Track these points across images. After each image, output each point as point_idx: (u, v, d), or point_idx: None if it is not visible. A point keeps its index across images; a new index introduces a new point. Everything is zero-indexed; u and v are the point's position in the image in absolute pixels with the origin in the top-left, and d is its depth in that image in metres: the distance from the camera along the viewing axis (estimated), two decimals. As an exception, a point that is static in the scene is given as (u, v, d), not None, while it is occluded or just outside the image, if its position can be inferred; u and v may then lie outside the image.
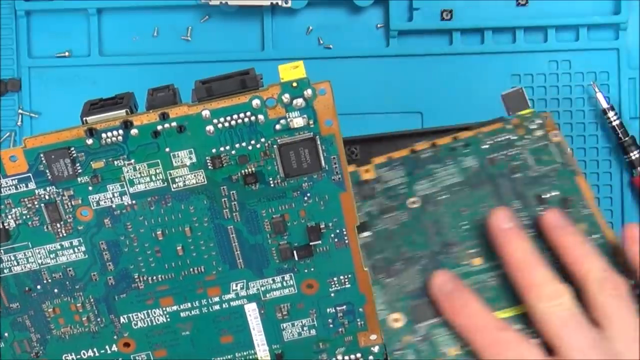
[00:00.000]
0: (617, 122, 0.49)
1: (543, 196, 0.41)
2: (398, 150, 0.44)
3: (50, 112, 0.51)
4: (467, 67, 0.50)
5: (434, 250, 0.40)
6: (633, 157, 0.49)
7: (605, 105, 0.49)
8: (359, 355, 0.36)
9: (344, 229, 0.33)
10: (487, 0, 0.50)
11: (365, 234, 0.38)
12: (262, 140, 0.31)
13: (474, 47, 0.50)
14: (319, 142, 0.31)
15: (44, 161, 0.31)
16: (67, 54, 0.51)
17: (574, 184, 0.42)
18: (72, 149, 0.31)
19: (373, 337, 0.35)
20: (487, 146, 0.41)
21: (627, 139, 0.49)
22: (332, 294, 0.35)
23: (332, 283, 0.34)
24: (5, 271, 0.33)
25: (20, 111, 0.51)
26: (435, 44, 0.51)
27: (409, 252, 0.40)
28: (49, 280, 0.33)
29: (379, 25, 0.51)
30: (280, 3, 0.49)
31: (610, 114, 0.49)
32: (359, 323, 0.35)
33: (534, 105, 0.50)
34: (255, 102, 0.31)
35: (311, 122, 0.31)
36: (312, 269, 0.34)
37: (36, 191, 0.32)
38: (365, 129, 0.49)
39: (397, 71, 0.50)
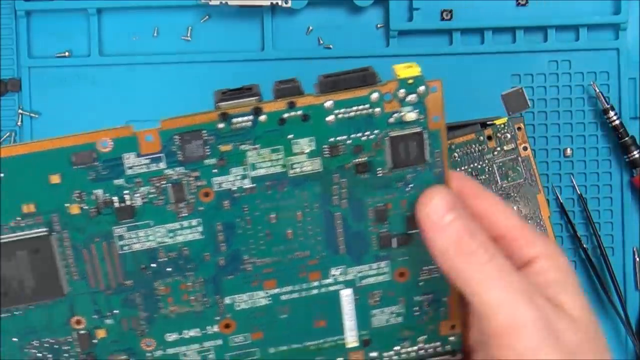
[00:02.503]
0: (617, 122, 0.49)
1: None
2: None
3: (50, 112, 0.51)
4: (467, 67, 0.50)
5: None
6: (633, 157, 0.49)
7: (605, 105, 0.49)
8: (438, 343, 0.37)
9: None
10: (487, 0, 0.50)
11: None
12: (376, 131, 0.33)
13: (474, 47, 0.50)
14: (426, 136, 0.33)
15: (177, 142, 0.32)
16: (67, 54, 0.51)
17: (535, 201, 0.44)
18: (204, 131, 0.33)
19: (453, 326, 0.36)
20: (457, 158, 0.44)
21: (627, 139, 0.49)
22: (421, 283, 0.35)
23: (423, 272, 0.35)
24: (124, 248, 0.34)
25: (20, 111, 0.51)
26: (435, 44, 0.51)
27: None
28: (165, 259, 0.34)
29: (379, 25, 0.51)
30: (280, 3, 0.49)
31: (610, 114, 0.49)
32: (442, 312, 0.36)
33: (534, 106, 0.50)
34: (374, 96, 0.33)
35: (422, 116, 0.33)
36: (407, 258, 0.35)
37: (165, 171, 0.33)
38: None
39: (397, 71, 0.50)
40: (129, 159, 0.32)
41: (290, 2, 0.49)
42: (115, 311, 0.35)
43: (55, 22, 0.51)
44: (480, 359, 0.33)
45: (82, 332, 0.34)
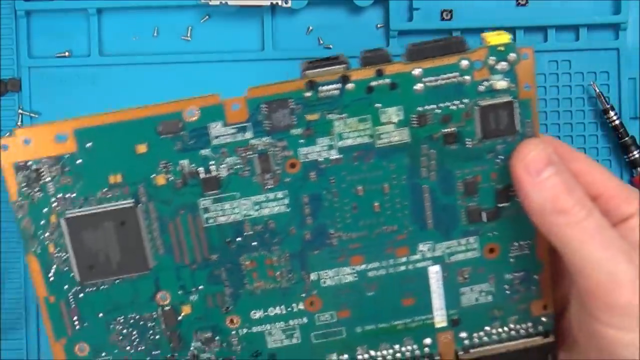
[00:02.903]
0: (617, 122, 0.49)
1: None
2: None
3: (50, 112, 0.51)
4: (467, 67, 0.50)
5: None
6: (633, 157, 0.49)
7: (605, 105, 0.49)
8: (529, 324, 0.35)
9: None
10: (487, 0, 0.50)
11: None
12: (466, 100, 0.32)
13: (474, 47, 0.50)
14: (516, 106, 0.32)
15: (264, 111, 0.32)
16: (67, 54, 0.51)
17: None
18: (292, 100, 0.32)
19: (545, 306, 0.35)
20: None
21: (627, 139, 0.49)
22: (512, 260, 0.34)
23: (513, 248, 0.34)
24: (210, 221, 0.33)
25: (20, 111, 0.51)
26: (435, 44, 0.51)
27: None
28: (251, 233, 0.33)
29: (379, 25, 0.51)
30: (280, 3, 0.49)
31: (610, 114, 0.49)
32: (534, 291, 0.35)
33: (534, 105, 0.50)
34: (464, 63, 0.32)
35: (512, 85, 0.32)
36: (496, 233, 0.34)
37: (251, 141, 0.32)
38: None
39: (397, 71, 0.50)
40: (216, 128, 0.32)
41: (290, 2, 0.49)
42: (200, 287, 0.34)
43: (55, 22, 0.51)
44: (575, 317, 0.33)
45: (166, 308, 0.34)
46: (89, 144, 0.32)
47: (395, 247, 0.34)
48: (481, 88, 0.32)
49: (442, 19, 0.50)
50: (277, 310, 0.35)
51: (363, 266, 0.34)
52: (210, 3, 0.49)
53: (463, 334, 0.36)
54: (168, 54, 0.51)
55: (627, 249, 0.29)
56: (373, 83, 0.32)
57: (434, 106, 0.32)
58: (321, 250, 0.34)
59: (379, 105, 0.32)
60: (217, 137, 0.32)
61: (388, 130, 0.32)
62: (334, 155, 0.33)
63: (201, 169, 0.32)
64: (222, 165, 0.32)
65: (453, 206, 0.34)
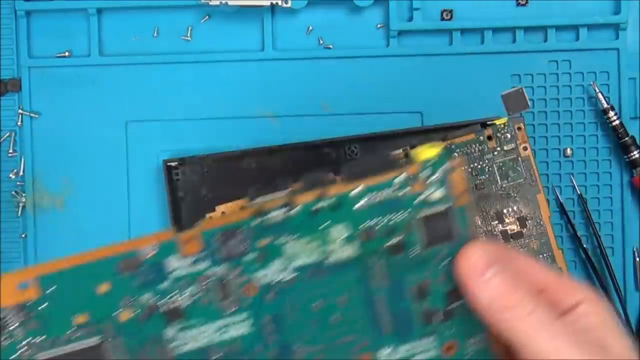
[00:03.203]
0: (617, 122, 0.49)
1: (504, 211, 0.46)
2: (396, 149, 0.47)
3: (50, 112, 0.51)
4: (467, 67, 0.50)
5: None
6: (633, 157, 0.49)
7: (605, 105, 0.49)
8: None
9: None
10: (487, 0, 0.50)
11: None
12: (405, 213, 0.35)
13: (474, 47, 0.50)
14: (452, 214, 0.34)
15: (217, 241, 0.34)
16: (67, 54, 0.51)
17: (535, 201, 0.46)
18: (242, 229, 0.34)
19: None
20: (457, 158, 0.45)
21: (627, 139, 0.49)
22: (468, 355, 0.36)
23: (470, 344, 0.36)
24: (176, 350, 0.35)
25: (20, 111, 0.51)
26: (435, 44, 0.51)
27: None
28: (218, 356, 0.35)
29: (379, 25, 0.51)
30: (280, 3, 0.49)
31: (610, 114, 0.49)
32: None
33: (534, 106, 0.50)
34: (400, 179, 0.34)
35: (446, 195, 0.34)
36: (452, 330, 0.36)
37: (208, 270, 0.34)
38: (365, 129, 0.49)
39: (397, 71, 0.50)
40: (172, 261, 0.33)
41: (290, 2, 0.49)
42: None
43: (55, 22, 0.51)
44: None
45: None
46: (51, 289, 0.33)
47: (359, 353, 0.36)
48: (418, 200, 0.34)
49: (442, 19, 0.50)
50: None
51: None
52: (210, 3, 0.49)
53: None
54: (168, 54, 0.51)
55: (576, 336, 0.30)
56: (316, 206, 0.34)
57: (377, 221, 0.34)
58: None
59: (325, 224, 0.34)
60: (174, 270, 0.34)
61: (336, 248, 0.34)
62: (289, 275, 0.35)
63: (162, 302, 0.34)
64: (183, 296, 0.34)
65: (407, 310, 0.35)
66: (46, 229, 0.51)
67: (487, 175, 0.46)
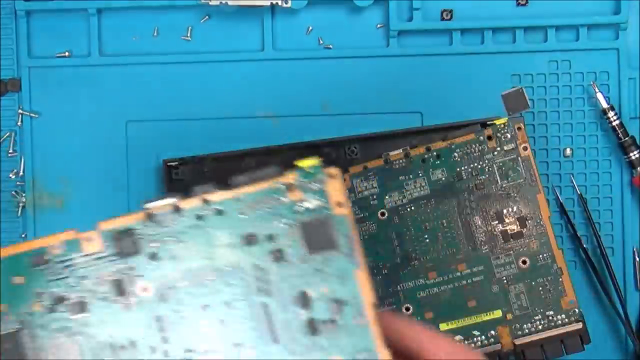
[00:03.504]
0: (617, 122, 0.49)
1: (504, 211, 0.46)
2: (396, 149, 0.46)
3: (50, 112, 0.51)
4: (467, 67, 0.50)
5: (395, 263, 0.46)
6: (633, 157, 0.49)
7: (605, 105, 0.49)
8: None
9: (361, 305, 0.36)
10: (487, 0, 0.50)
11: None
12: (285, 220, 0.36)
13: (474, 47, 0.50)
14: (332, 222, 0.36)
15: (114, 241, 0.37)
16: (67, 54, 0.51)
17: (535, 201, 0.46)
18: (136, 229, 0.37)
19: None
20: (457, 158, 0.46)
21: (627, 139, 0.49)
22: None
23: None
24: (82, 342, 0.37)
25: (20, 111, 0.51)
26: (435, 44, 0.51)
27: (372, 263, 0.47)
28: (118, 350, 0.37)
29: (379, 25, 0.51)
30: (280, 3, 0.49)
31: (610, 114, 0.49)
32: None
33: (534, 106, 0.50)
34: (280, 187, 0.36)
35: (324, 203, 0.36)
36: (336, 346, 0.37)
37: (107, 268, 0.37)
38: (365, 129, 0.49)
39: (397, 71, 0.50)
40: (76, 258, 0.36)
41: (290, 2, 0.49)
42: None
43: (55, 22, 0.51)
44: None
45: None
46: None
47: None
48: (298, 208, 0.36)
49: (442, 19, 0.50)
50: None
51: None
52: (210, 3, 0.49)
53: None
54: (168, 54, 0.51)
55: None
56: (201, 212, 0.36)
57: (260, 228, 0.36)
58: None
59: (210, 229, 0.36)
60: (78, 266, 0.37)
61: (222, 253, 0.37)
62: (179, 276, 0.37)
63: (68, 295, 0.37)
64: (85, 291, 0.37)
65: (289, 321, 0.37)
66: (46, 229, 0.51)
67: (487, 175, 0.46)
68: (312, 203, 0.36)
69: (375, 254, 0.46)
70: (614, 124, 0.49)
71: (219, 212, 0.37)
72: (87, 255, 0.37)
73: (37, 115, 0.51)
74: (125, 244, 0.37)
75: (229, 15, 0.51)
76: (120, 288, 0.37)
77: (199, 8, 0.51)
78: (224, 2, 0.48)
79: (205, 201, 0.36)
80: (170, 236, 0.37)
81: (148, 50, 0.51)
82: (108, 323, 0.37)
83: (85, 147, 0.51)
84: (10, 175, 0.51)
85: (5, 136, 0.51)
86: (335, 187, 0.36)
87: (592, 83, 0.50)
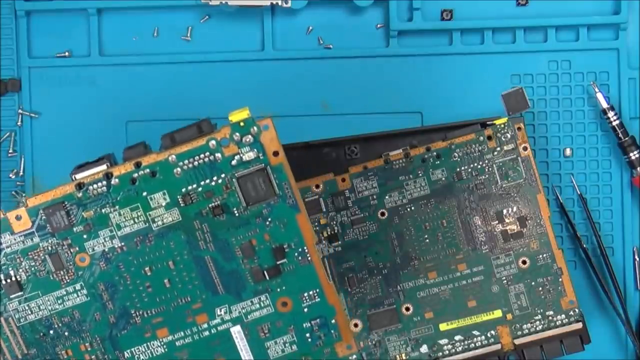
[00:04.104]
0: (617, 122, 0.49)
1: (504, 211, 0.46)
2: (396, 149, 0.46)
3: (50, 112, 0.51)
4: (467, 67, 0.50)
5: (395, 263, 0.46)
6: (633, 157, 0.49)
7: (605, 105, 0.49)
8: None
9: (305, 247, 0.37)
10: (487, 0, 0.50)
11: (335, 244, 0.44)
12: (222, 175, 0.36)
13: (474, 47, 0.50)
14: (270, 171, 0.36)
15: (43, 216, 0.36)
16: (67, 54, 0.51)
17: (535, 201, 0.46)
18: (66, 203, 0.36)
19: (348, 347, 0.39)
20: (457, 158, 0.46)
21: (627, 139, 0.49)
22: (305, 309, 0.38)
23: (304, 299, 0.38)
24: (21, 320, 0.37)
25: (20, 111, 0.51)
26: (435, 44, 0.51)
27: (372, 263, 0.46)
28: (60, 325, 0.37)
29: (379, 25, 0.51)
30: (280, 3, 0.49)
31: (610, 114, 0.49)
32: (333, 334, 0.38)
33: (534, 106, 0.50)
34: (212, 143, 0.36)
35: (260, 154, 0.36)
36: (284, 287, 0.37)
37: (40, 244, 0.37)
38: (365, 129, 0.49)
39: (397, 71, 0.50)
40: (5, 238, 0.36)
41: (290, 2, 0.49)
42: None
43: (55, 22, 0.51)
44: None
45: None
46: None
47: (194, 315, 0.38)
48: (234, 162, 0.36)
49: (442, 19, 0.50)
50: None
51: (170, 337, 0.38)
52: (210, 3, 0.49)
53: None
54: (168, 54, 0.51)
55: None
56: (135, 175, 0.36)
57: (195, 185, 0.36)
58: (128, 330, 0.38)
59: (145, 193, 0.36)
60: (8, 246, 0.36)
61: (159, 214, 0.36)
62: (117, 243, 0.37)
63: (1, 275, 0.37)
64: (20, 270, 0.37)
65: (237, 270, 0.37)
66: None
67: (487, 175, 0.46)
68: (247, 155, 0.36)
69: (375, 254, 0.46)
70: (614, 124, 0.49)
71: (153, 174, 0.36)
72: (17, 233, 0.36)
73: (37, 115, 0.51)
74: (57, 217, 0.36)
75: (229, 15, 0.51)
76: (57, 263, 0.36)
77: (199, 8, 0.51)
78: (224, 2, 0.48)
79: (138, 165, 0.36)
80: (105, 204, 0.36)
81: (148, 50, 0.51)
82: (49, 298, 0.37)
83: (85, 147, 0.51)
84: (10, 175, 0.51)
85: (5, 136, 0.51)
86: (269, 137, 0.36)
87: (592, 83, 0.50)
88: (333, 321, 0.38)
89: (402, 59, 0.51)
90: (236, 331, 0.38)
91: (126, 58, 0.51)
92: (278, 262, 0.37)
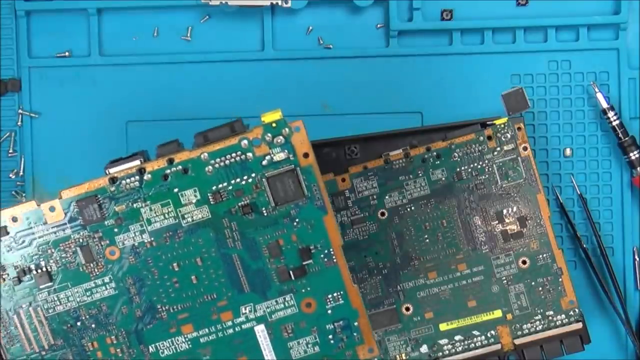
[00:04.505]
0: (617, 122, 0.49)
1: (504, 211, 0.46)
2: (396, 149, 0.46)
3: (50, 112, 0.51)
4: (467, 67, 0.50)
5: (395, 263, 0.46)
6: (633, 157, 0.49)
7: (605, 105, 0.49)
8: None
9: (330, 249, 0.37)
10: (487, 0, 0.50)
11: None
12: (253, 175, 0.37)
13: (474, 47, 0.50)
14: (299, 173, 0.37)
15: (76, 209, 0.37)
16: (67, 54, 0.51)
17: (535, 201, 0.46)
18: (99, 196, 0.37)
19: (370, 350, 0.39)
20: (457, 158, 0.46)
21: (627, 139, 0.49)
22: (329, 311, 0.38)
23: (328, 300, 0.38)
24: (50, 310, 0.37)
25: (20, 111, 0.51)
26: (435, 44, 0.51)
27: (372, 263, 0.46)
28: (87, 317, 0.38)
29: (379, 25, 0.51)
30: (280, 3, 0.49)
31: (610, 114, 0.49)
32: (355, 337, 0.38)
33: (534, 106, 0.50)
34: (244, 143, 0.36)
35: (291, 155, 0.37)
36: (309, 288, 0.38)
37: (72, 236, 0.37)
38: (365, 129, 0.49)
39: (397, 71, 0.50)
40: (38, 229, 0.37)
41: (290, 2, 0.49)
42: None
43: (55, 22, 0.51)
44: None
45: None
46: None
47: (219, 312, 0.38)
48: (264, 162, 0.37)
49: (442, 19, 0.50)
50: None
51: (194, 334, 0.38)
52: (210, 3, 0.49)
53: None
54: (168, 54, 0.51)
55: None
56: (167, 171, 0.37)
57: (226, 183, 0.37)
58: (153, 325, 0.38)
59: (177, 189, 0.37)
60: (41, 236, 0.37)
61: (189, 210, 0.37)
62: (147, 238, 0.37)
63: (32, 266, 0.37)
64: (51, 261, 0.37)
65: (263, 269, 0.38)
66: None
67: (487, 175, 0.46)
68: (278, 156, 0.36)
69: (375, 254, 0.46)
70: (614, 124, 0.49)
71: (185, 171, 0.37)
72: (49, 224, 0.37)
73: (37, 115, 0.51)
74: (89, 210, 0.36)
75: (229, 15, 0.51)
76: (87, 255, 0.37)
77: (199, 8, 0.51)
78: (224, 2, 0.48)
79: (170, 161, 0.36)
80: (137, 198, 0.37)
81: (148, 50, 0.51)
82: (78, 289, 0.37)
83: (85, 147, 0.51)
84: (10, 175, 0.51)
85: (5, 136, 0.51)
86: (300, 139, 0.36)
87: (592, 83, 0.50)
88: (356, 324, 0.38)
89: (402, 59, 0.51)
90: (260, 330, 0.38)
91: (126, 58, 0.51)
92: (304, 263, 0.37)
